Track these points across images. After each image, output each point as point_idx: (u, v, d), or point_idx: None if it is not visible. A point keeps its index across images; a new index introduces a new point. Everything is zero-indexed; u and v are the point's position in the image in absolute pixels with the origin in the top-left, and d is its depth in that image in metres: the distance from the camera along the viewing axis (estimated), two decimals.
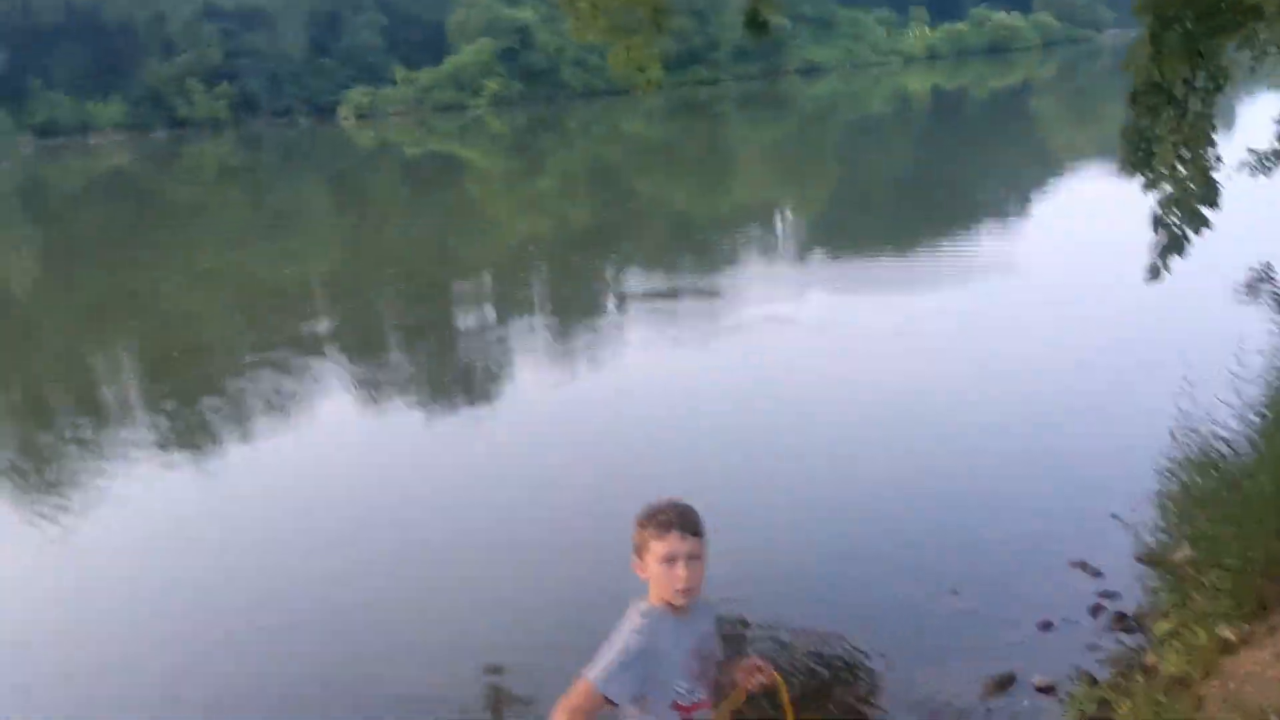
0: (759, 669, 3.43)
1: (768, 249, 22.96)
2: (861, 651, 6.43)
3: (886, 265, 18.69)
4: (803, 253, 22.12)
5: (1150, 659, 5.84)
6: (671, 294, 17.79)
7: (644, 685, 3.10)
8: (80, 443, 12.33)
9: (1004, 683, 6.01)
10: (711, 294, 17.45)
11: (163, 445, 11.76)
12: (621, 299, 18.29)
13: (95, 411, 13.75)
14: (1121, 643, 6.21)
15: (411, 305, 19.12)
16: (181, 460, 11.22)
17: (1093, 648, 6.22)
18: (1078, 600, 6.68)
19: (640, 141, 48.47)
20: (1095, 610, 6.57)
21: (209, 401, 13.29)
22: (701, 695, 3.25)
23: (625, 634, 3.11)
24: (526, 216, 30.17)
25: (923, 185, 28.82)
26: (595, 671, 3.04)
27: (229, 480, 10.47)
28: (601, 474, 9.46)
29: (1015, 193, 26.74)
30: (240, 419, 12.48)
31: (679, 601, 3.16)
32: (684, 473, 9.26)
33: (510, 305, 18.87)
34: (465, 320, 18.20)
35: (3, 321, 20.85)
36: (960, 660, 6.26)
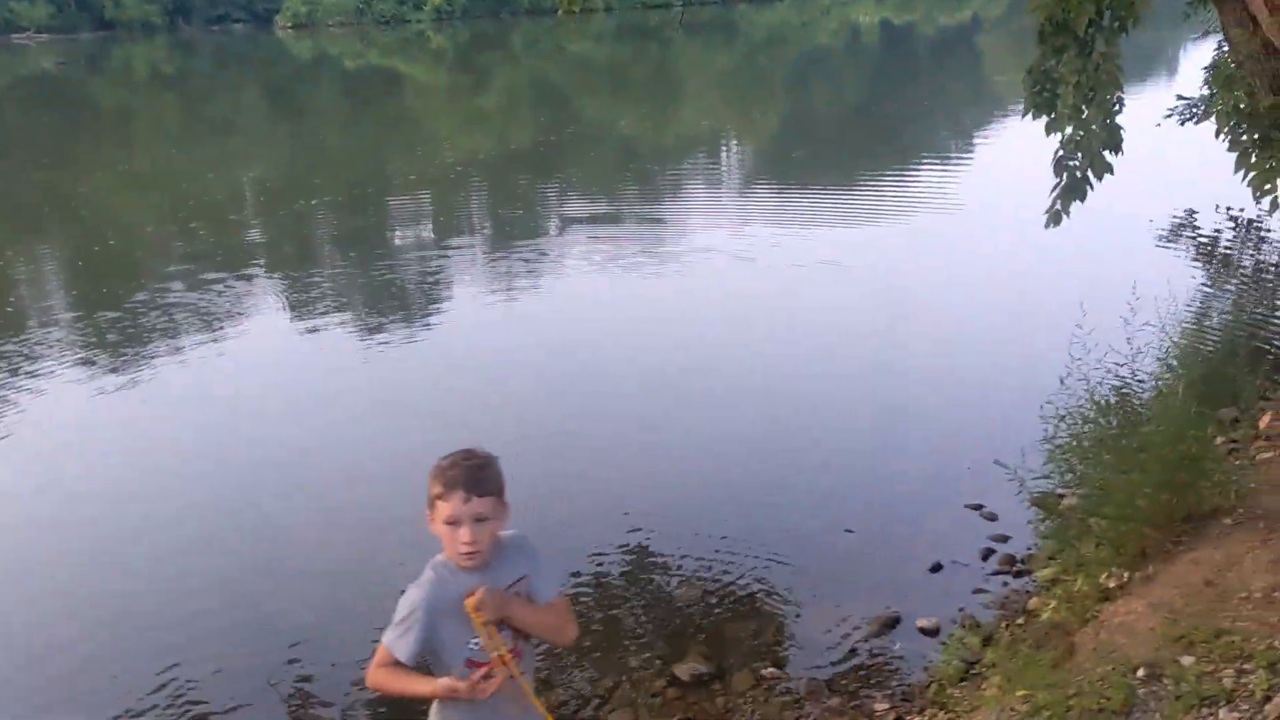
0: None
1: (710, 178, 22.79)
2: (754, 588, 6.42)
3: (824, 197, 18.62)
4: (745, 183, 22.01)
5: (1033, 604, 5.91)
6: (611, 220, 17.61)
7: (430, 642, 2.99)
8: None
9: (889, 623, 6.03)
10: (652, 221, 17.30)
11: (73, 355, 11.37)
12: (560, 223, 18.07)
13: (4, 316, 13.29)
14: (1008, 586, 6.25)
15: (345, 218, 18.78)
16: (87, 373, 10.83)
17: (980, 591, 6.28)
18: (970, 543, 6.72)
19: (586, 63, 47.73)
20: (985, 554, 6.62)
21: (127, 311, 12.90)
22: (497, 651, 3.03)
23: (409, 591, 3.03)
24: (467, 134, 29.73)
25: (867, 119, 28.72)
26: (387, 633, 3.02)
27: (140, 395, 10.13)
28: (518, 400, 9.38)
29: (958, 130, 26.75)
30: (156, 331, 12.12)
31: (464, 564, 3.00)
32: (593, 400, 9.26)
33: (446, 223, 18.62)
34: (400, 236, 17.90)
35: None
36: (850, 600, 6.26)
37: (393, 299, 13.69)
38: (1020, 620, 5.79)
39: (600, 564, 6.79)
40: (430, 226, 18.95)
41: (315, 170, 24.21)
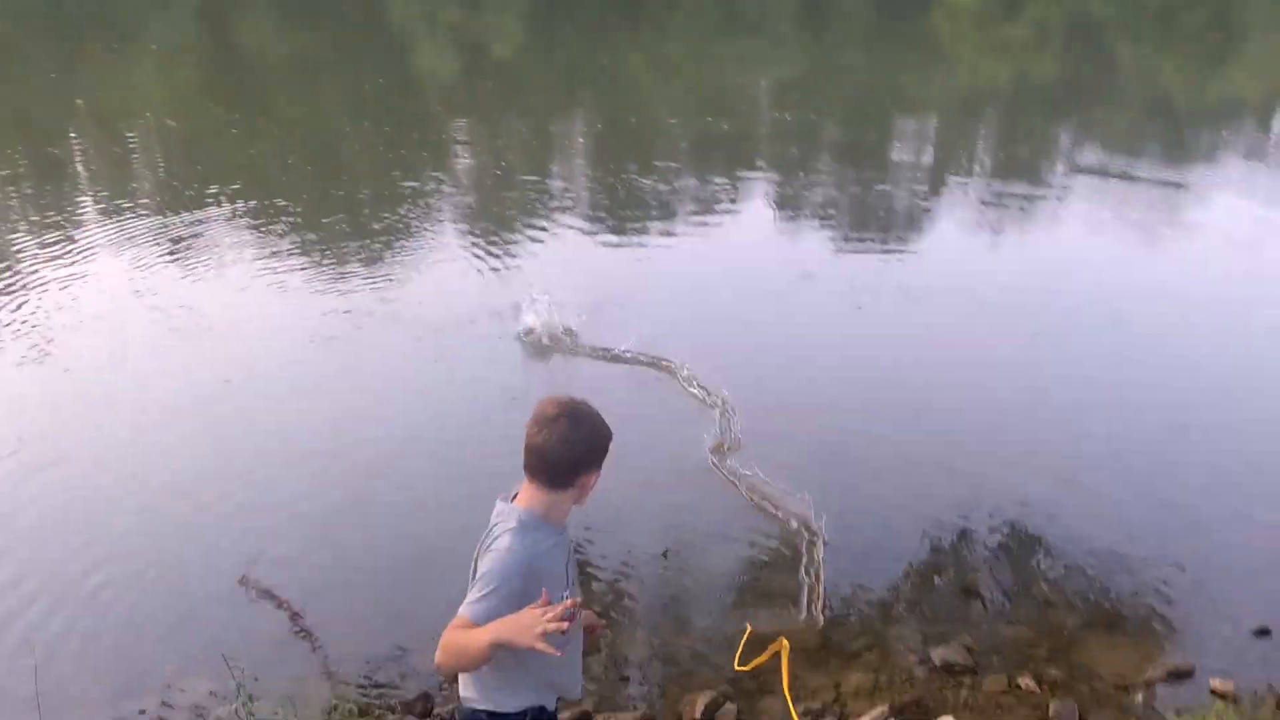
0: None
1: (1254, 149, 20.67)
2: (1048, 597, 6.28)
3: None
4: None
5: None
6: (1124, 176, 16.79)
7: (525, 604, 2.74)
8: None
9: (1180, 674, 5.67)
10: (1170, 185, 16.35)
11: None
12: (1066, 170, 17.58)
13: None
14: None
15: (847, 131, 19.87)
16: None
17: None
18: None
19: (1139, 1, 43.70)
20: None
21: (619, 184, 14.49)
22: (578, 594, 3.05)
23: (502, 557, 2.79)
24: (988, 62, 28.87)
25: None
26: (471, 603, 2.76)
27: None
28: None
29: None
30: (631, 207, 13.51)
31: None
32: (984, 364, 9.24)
33: (946, 152, 18.82)
34: (896, 158, 18.29)
35: None
36: (1148, 638, 5.96)
37: (874, 219, 14.26)
38: None
39: (919, 530, 6.89)
40: (930, 153, 19.09)
41: (829, 81, 24.90)
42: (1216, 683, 5.56)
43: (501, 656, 2.72)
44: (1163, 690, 5.56)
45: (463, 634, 2.69)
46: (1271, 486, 7.54)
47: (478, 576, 2.82)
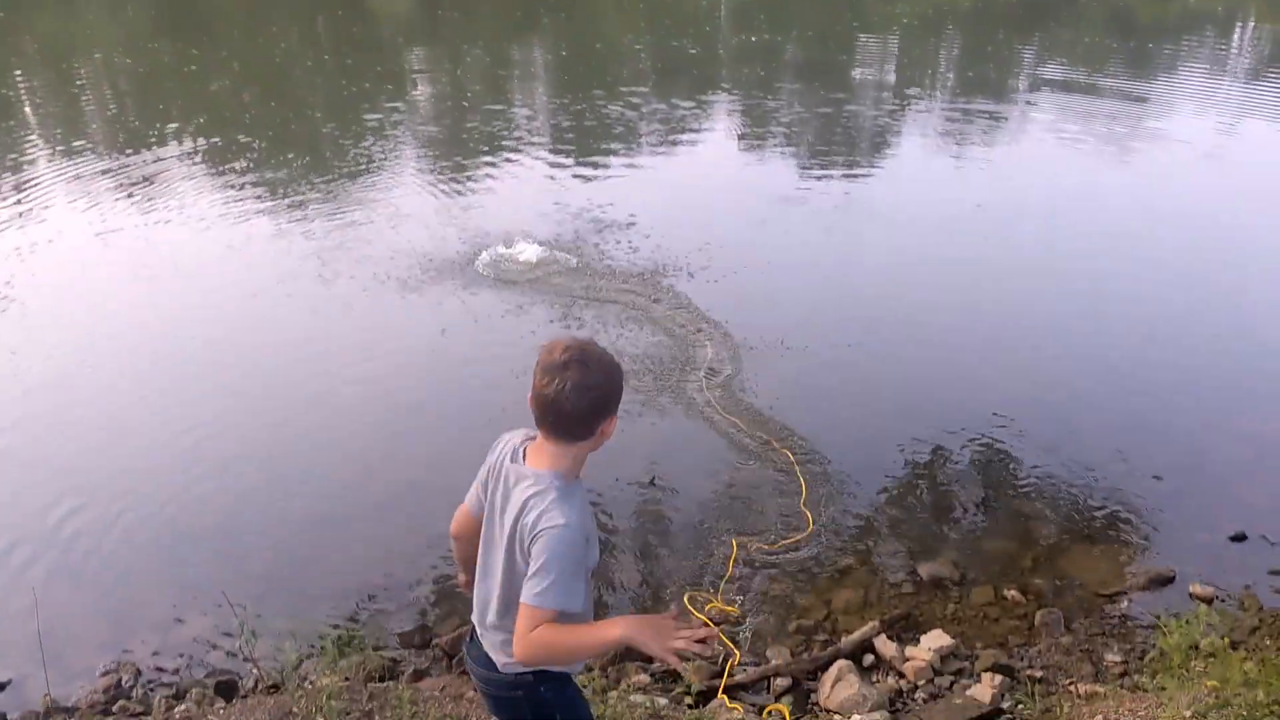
0: None
1: (1215, 62, 20.77)
2: (1031, 511, 6.37)
3: None
4: (1256, 71, 19.84)
5: None
6: (1087, 91, 16.86)
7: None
8: None
9: (1162, 580, 5.80)
10: (1132, 99, 16.46)
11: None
12: (1029, 86, 17.75)
13: None
14: None
15: (811, 51, 19.18)
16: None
17: (1278, 574, 5.83)
18: None
19: None
20: None
21: (581, 110, 14.25)
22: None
23: (560, 535, 2.50)
24: None
25: None
26: (544, 590, 2.47)
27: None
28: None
29: None
30: (574, 132, 13.35)
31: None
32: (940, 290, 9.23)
33: (910, 70, 18.77)
34: (861, 76, 18.26)
35: None
36: (1129, 546, 6.08)
37: (838, 139, 14.17)
38: None
39: (904, 450, 6.98)
40: (893, 71, 19.02)
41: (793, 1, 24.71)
42: (1196, 587, 5.70)
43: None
44: (1145, 596, 5.70)
45: (574, 632, 2.48)
46: (1245, 396, 7.68)
47: (542, 563, 2.48)
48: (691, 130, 14.46)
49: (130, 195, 11.54)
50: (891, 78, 18.58)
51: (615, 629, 2.42)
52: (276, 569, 5.82)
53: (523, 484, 2.59)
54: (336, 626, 5.34)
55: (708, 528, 6.15)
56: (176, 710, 4.40)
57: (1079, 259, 10.00)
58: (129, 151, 13.06)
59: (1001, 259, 10.09)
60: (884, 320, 8.72)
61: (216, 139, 13.62)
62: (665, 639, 2.36)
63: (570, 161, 13.05)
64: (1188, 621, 4.85)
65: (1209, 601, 5.62)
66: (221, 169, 12.51)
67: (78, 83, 17.22)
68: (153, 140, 13.61)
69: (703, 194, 11.85)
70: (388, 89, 17.18)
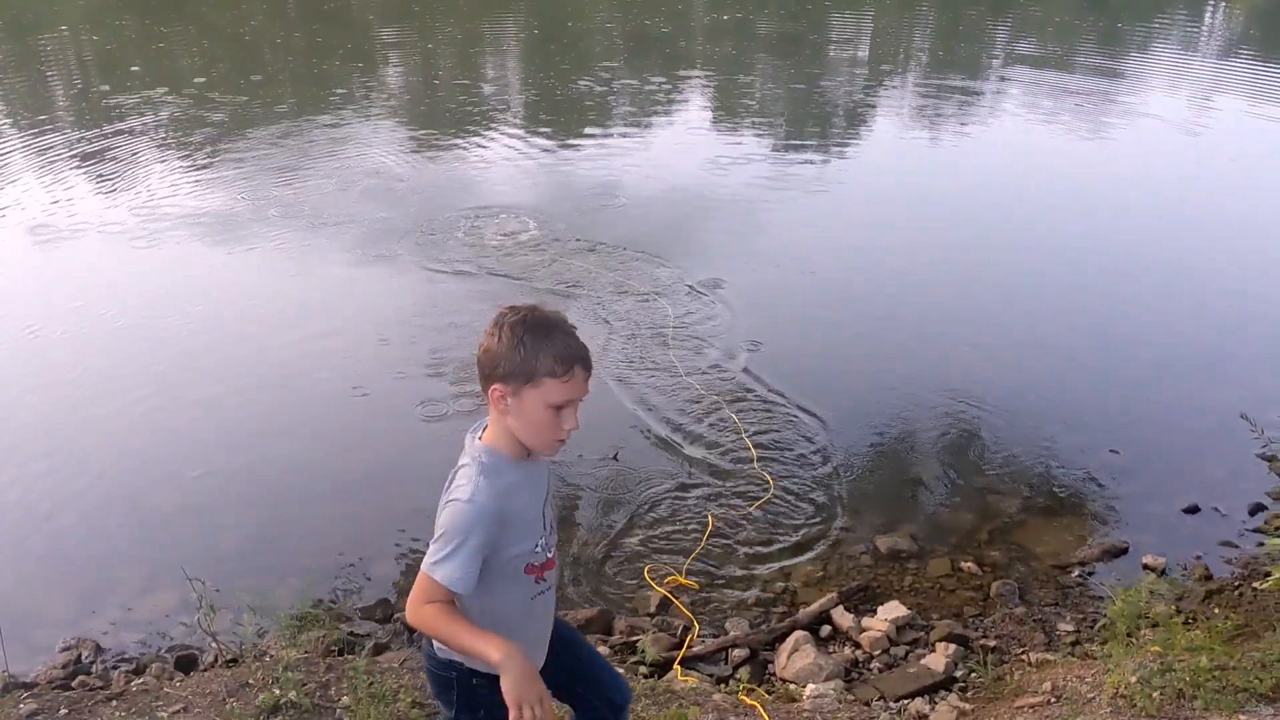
0: None
1: (1186, 39, 21.02)
2: (988, 485, 6.45)
3: None
4: (1228, 48, 19.98)
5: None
6: (1060, 66, 17.03)
7: (493, 556, 2.44)
8: None
9: (1115, 552, 5.89)
10: (1105, 74, 16.66)
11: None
12: (1003, 61, 18.04)
13: None
14: (1263, 546, 5.87)
15: (783, 26, 19.16)
16: None
17: (1228, 544, 5.93)
18: (1243, 494, 6.29)
19: None
20: (1255, 509, 6.18)
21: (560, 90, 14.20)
22: (552, 550, 2.63)
23: (462, 506, 2.39)
24: None
25: None
26: (435, 563, 2.39)
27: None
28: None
29: None
30: (551, 113, 13.33)
31: (549, 454, 2.53)
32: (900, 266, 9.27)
33: (883, 46, 18.73)
34: (834, 51, 18.08)
35: None
36: (1085, 520, 6.16)
37: (811, 117, 14.22)
38: (1255, 584, 5.49)
39: (866, 425, 7.04)
40: (866, 47, 19.05)
41: None
42: (1149, 558, 5.79)
43: (476, 618, 2.44)
44: (1099, 568, 5.79)
45: (459, 632, 2.38)
46: (1202, 371, 7.79)
47: (440, 533, 2.41)
48: (661, 106, 14.44)
49: (90, 169, 11.46)
50: (863, 53, 18.65)
51: (494, 654, 2.31)
52: (240, 545, 5.83)
53: (463, 455, 2.54)
54: (299, 602, 5.35)
55: (677, 499, 6.19)
56: (134, 684, 4.41)
57: (1044, 235, 10.10)
58: (91, 125, 12.94)
59: (967, 236, 10.16)
60: (846, 294, 8.80)
61: (181, 113, 13.50)
62: (524, 697, 2.28)
63: (542, 137, 13.03)
64: (1136, 591, 4.93)
65: (1161, 572, 5.71)
66: (186, 143, 12.41)
67: (42, 55, 17.04)
68: (115, 114, 13.47)
69: (671, 168, 11.85)
70: (358, 66, 17.06)
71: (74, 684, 4.68)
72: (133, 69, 16.51)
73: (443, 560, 2.37)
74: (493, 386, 2.41)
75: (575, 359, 2.40)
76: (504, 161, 12.03)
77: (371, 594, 5.52)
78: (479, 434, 2.54)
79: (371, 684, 4.02)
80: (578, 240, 9.54)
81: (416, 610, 2.41)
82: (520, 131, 13.20)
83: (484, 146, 12.56)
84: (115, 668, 4.93)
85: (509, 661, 2.30)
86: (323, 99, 14.62)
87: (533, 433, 2.44)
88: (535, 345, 2.37)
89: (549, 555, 2.60)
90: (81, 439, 6.74)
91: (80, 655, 5.03)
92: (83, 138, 12.47)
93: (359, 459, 6.58)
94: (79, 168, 11.49)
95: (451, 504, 2.41)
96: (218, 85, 15.43)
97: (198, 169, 11.47)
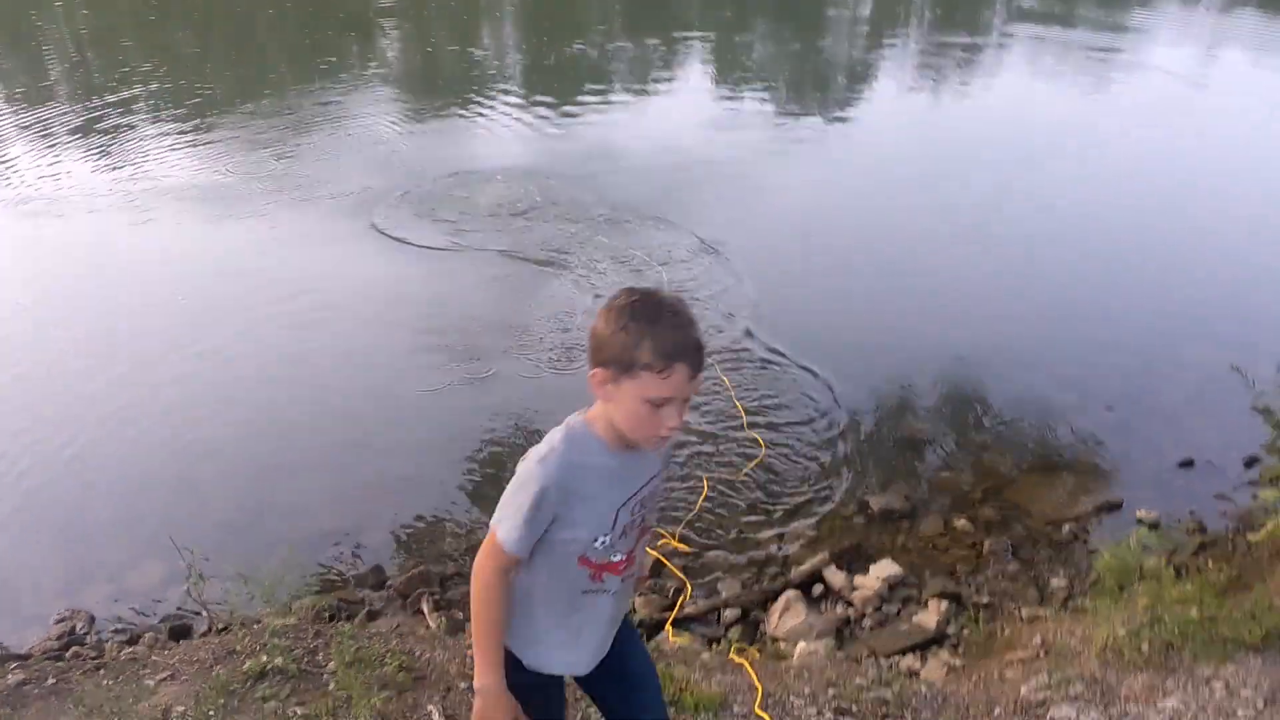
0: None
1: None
2: (983, 442, 6.44)
3: None
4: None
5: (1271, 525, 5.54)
6: (1063, 21, 16.87)
7: (548, 531, 2.32)
8: None
9: (1109, 507, 5.89)
10: (1109, 28, 16.44)
11: None
12: (1006, 17, 17.79)
13: None
14: (1256, 500, 5.84)
15: None
16: None
17: (1222, 498, 5.92)
18: (1238, 448, 6.25)
19: None
20: (1249, 462, 6.15)
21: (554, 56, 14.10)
22: (619, 556, 2.41)
23: (531, 466, 2.27)
24: None
25: None
26: (499, 519, 2.30)
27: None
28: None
29: None
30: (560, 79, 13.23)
31: (648, 447, 2.33)
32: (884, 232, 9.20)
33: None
34: (833, 10, 17.93)
35: None
36: (1080, 475, 6.15)
37: (812, 76, 14.08)
38: (1248, 536, 5.47)
39: (863, 386, 7.00)
40: (868, 5, 18.92)
41: None
42: (1142, 512, 5.79)
43: (519, 595, 2.38)
44: (1093, 524, 5.78)
45: (484, 605, 2.32)
46: (1194, 327, 7.73)
47: (507, 488, 2.32)
48: (660, 69, 14.33)
49: (80, 142, 11.40)
50: (864, 12, 18.54)
51: (481, 676, 2.32)
52: (233, 516, 5.83)
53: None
54: (289, 570, 5.34)
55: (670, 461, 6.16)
56: (123, 653, 4.43)
57: (1042, 196, 10.00)
58: (84, 99, 12.88)
59: (964, 199, 10.07)
60: (844, 257, 8.75)
61: (174, 86, 13.43)
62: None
63: (539, 104, 12.94)
64: (1126, 545, 4.91)
65: (1154, 526, 5.70)
66: (180, 116, 12.33)
67: (39, 32, 16.93)
68: (109, 88, 13.39)
69: (670, 130, 11.78)
70: (351, 35, 16.94)
71: (67, 654, 4.69)
72: (124, 43, 16.40)
73: (504, 518, 2.27)
74: (593, 370, 2.25)
75: (678, 355, 2.18)
76: (501, 128, 11.95)
77: (365, 561, 5.52)
78: (586, 411, 2.37)
79: (359, 649, 4.01)
80: (573, 204, 9.48)
81: (478, 567, 2.32)
82: (517, 98, 13.10)
83: (482, 114, 12.46)
84: (109, 638, 4.94)
85: (485, 694, 2.30)
86: (316, 69, 14.51)
87: (631, 424, 2.26)
88: (637, 335, 2.18)
89: (614, 558, 2.40)
90: (70, 410, 6.71)
91: (74, 626, 5.05)
92: (70, 110, 12.40)
93: (350, 429, 6.56)
94: (69, 142, 11.43)
95: (523, 462, 2.30)
96: (210, 57, 15.34)
97: (189, 142, 11.40)
